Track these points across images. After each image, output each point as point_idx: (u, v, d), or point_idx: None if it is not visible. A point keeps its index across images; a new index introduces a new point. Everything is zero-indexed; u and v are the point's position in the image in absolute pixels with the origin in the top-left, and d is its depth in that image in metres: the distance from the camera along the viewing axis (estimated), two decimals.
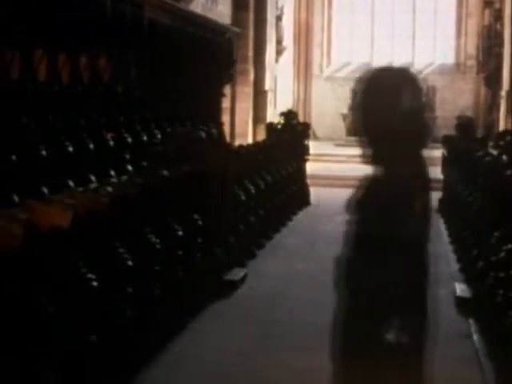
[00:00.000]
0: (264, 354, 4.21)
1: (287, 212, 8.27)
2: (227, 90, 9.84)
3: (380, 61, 17.53)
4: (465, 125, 10.05)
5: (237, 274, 5.54)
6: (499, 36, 13.23)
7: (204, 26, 8.21)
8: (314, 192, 9.78)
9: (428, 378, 3.94)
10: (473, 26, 16.63)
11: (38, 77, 5.20)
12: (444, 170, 9.20)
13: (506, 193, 4.72)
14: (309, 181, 9.87)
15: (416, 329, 2.62)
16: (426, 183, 2.70)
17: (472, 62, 16.75)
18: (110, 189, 3.68)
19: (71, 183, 5.24)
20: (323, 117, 16.51)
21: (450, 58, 17.20)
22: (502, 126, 12.11)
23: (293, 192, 8.62)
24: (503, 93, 12.26)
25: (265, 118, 12.19)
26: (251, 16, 11.65)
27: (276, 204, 7.54)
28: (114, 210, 3.62)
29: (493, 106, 14.16)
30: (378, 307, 2.46)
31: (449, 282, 5.80)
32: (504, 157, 5.90)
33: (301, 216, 8.73)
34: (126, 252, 3.65)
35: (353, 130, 15.89)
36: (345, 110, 16.32)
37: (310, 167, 9.93)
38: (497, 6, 13.74)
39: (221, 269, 5.31)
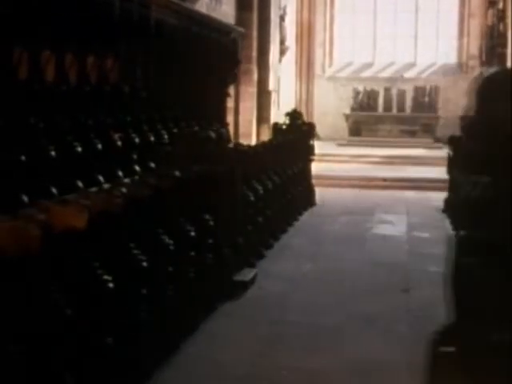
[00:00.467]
0: (277, 355, 4.20)
1: (293, 212, 8.26)
2: (231, 89, 9.82)
3: (382, 61, 17.55)
4: (470, 125, 10.03)
5: (247, 274, 5.52)
6: (502, 36, 13.21)
7: (209, 26, 8.20)
8: (318, 192, 9.77)
9: None
10: (475, 26, 16.62)
11: (45, 77, 5.18)
12: (450, 171, 9.17)
13: None
14: (313, 181, 9.85)
15: None
16: None
17: (474, 62, 16.73)
18: (123, 190, 3.65)
19: (80, 183, 5.23)
20: (325, 117, 16.49)
21: (452, 58, 17.19)
22: None
23: (298, 192, 8.60)
24: None
25: (268, 118, 12.17)
26: (255, 16, 11.63)
27: (282, 204, 7.52)
28: (128, 210, 3.60)
29: None
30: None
31: None
32: None
33: (306, 216, 8.72)
34: (140, 253, 3.63)
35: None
36: (347, 110, 16.34)
37: (313, 167, 9.92)
38: (500, 6, 13.72)
39: (231, 269, 5.29)
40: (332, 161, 13.05)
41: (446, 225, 8.44)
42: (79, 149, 5.27)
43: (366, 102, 16.25)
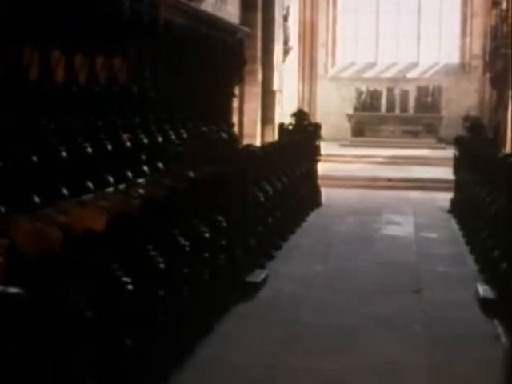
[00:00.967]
0: (293, 357, 4.17)
1: (300, 213, 8.24)
2: (235, 90, 9.80)
3: (384, 61, 17.54)
4: (476, 125, 10.03)
5: (258, 275, 5.50)
6: (506, 37, 13.19)
7: (216, 26, 8.18)
8: (323, 192, 9.75)
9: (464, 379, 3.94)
10: (478, 25, 16.61)
11: (55, 78, 5.17)
12: (456, 171, 9.15)
13: None
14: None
15: None
16: None
17: (477, 62, 16.74)
18: (141, 191, 3.63)
19: (90, 184, 5.22)
20: (328, 117, 16.45)
21: (454, 58, 17.18)
22: (510, 126, 12.09)
23: (305, 193, 8.58)
24: (511, 93, 12.23)
25: (273, 118, 12.14)
26: (259, 16, 11.61)
27: (291, 205, 7.50)
28: (145, 212, 3.57)
29: (499, 107, 14.13)
30: None
31: (470, 283, 5.79)
32: None
33: (313, 217, 8.70)
34: (157, 255, 3.61)
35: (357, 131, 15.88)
36: (350, 111, 16.31)
37: (318, 167, 9.90)
38: (504, 6, 13.70)
39: (243, 270, 5.27)
40: (336, 161, 13.03)
41: (453, 225, 8.43)
42: (89, 149, 5.26)
43: (368, 103, 16.23)
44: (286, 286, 5.57)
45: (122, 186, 3.93)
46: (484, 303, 5.16)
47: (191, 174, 4.39)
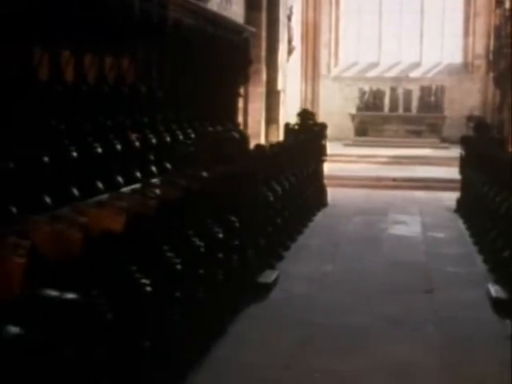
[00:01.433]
0: (308, 358, 4.17)
1: (307, 213, 8.23)
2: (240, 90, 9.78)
3: (387, 61, 17.52)
4: (481, 125, 10.02)
5: (269, 276, 5.49)
6: (510, 36, 13.18)
7: (223, 26, 8.16)
8: (329, 192, 9.73)
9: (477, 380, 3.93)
10: (481, 25, 16.61)
11: (65, 78, 5.15)
12: (462, 171, 9.14)
13: None
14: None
15: None
16: None
17: (480, 62, 16.73)
18: (157, 191, 3.62)
19: (100, 184, 5.20)
20: (331, 117, 16.41)
21: (457, 58, 17.17)
22: None
23: (311, 193, 8.57)
24: None
25: (277, 118, 12.13)
26: (264, 15, 11.60)
27: (298, 205, 7.49)
28: (161, 212, 3.56)
29: (502, 106, 14.12)
30: None
31: (480, 283, 5.78)
32: None
33: (320, 217, 8.69)
34: (174, 256, 3.60)
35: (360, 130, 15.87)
36: (353, 110, 16.29)
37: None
38: (507, 5, 13.69)
39: (254, 271, 5.26)
40: (340, 161, 13.01)
41: (460, 225, 8.42)
42: (99, 150, 5.24)
43: (371, 102, 16.22)
44: (297, 287, 5.56)
45: (137, 187, 3.92)
46: (496, 303, 5.15)
47: (204, 174, 4.37)
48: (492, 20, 16.08)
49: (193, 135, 7.03)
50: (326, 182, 9.88)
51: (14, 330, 1.98)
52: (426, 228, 8.19)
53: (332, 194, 9.84)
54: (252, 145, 6.88)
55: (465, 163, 9.15)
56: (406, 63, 17.42)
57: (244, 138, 5.33)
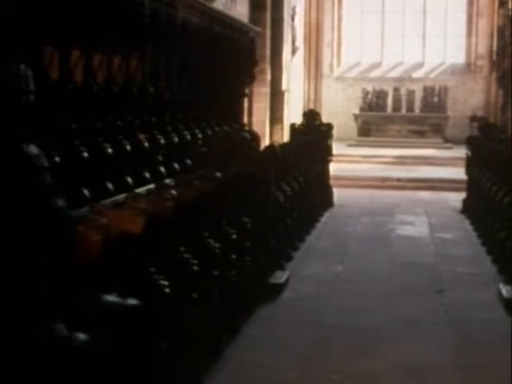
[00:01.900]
0: (324, 359, 4.14)
1: (314, 213, 8.21)
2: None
3: (390, 61, 17.51)
4: (486, 125, 10.00)
5: (280, 277, 5.47)
6: None
7: (230, 26, 8.14)
8: (334, 192, 9.71)
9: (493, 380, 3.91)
10: (483, 25, 16.60)
11: (75, 78, 5.13)
12: (469, 171, 9.12)
13: None
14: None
15: None
16: None
17: (483, 62, 16.72)
18: (173, 192, 3.60)
19: (109, 185, 5.18)
20: (334, 117, 16.37)
21: (460, 58, 17.15)
22: None
23: (318, 193, 8.55)
24: None
25: (282, 118, 12.11)
26: (268, 15, 11.58)
27: (306, 205, 7.47)
28: (178, 213, 3.54)
29: (506, 106, 14.11)
30: None
31: (491, 284, 5.77)
32: None
33: (326, 217, 8.67)
34: (191, 257, 3.58)
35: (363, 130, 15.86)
36: (356, 110, 16.27)
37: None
38: (510, 5, 13.67)
39: (266, 272, 5.24)
40: (344, 161, 12.98)
41: (466, 226, 8.40)
42: (110, 150, 5.22)
43: (374, 102, 16.19)
44: (308, 288, 5.54)
45: (151, 188, 3.90)
46: (508, 304, 5.13)
47: (218, 174, 4.35)
48: (495, 20, 16.06)
49: (200, 135, 7.02)
50: (331, 182, 9.86)
51: (82, 336, 1.97)
52: (434, 229, 8.17)
53: (337, 194, 9.81)
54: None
55: (471, 164, 9.12)
56: (408, 63, 17.41)
57: (255, 139, 5.31)
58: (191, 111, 7.16)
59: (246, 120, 10.88)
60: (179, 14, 6.39)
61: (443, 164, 13.33)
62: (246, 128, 7.55)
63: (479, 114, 16.21)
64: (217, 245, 4.00)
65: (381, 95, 16.22)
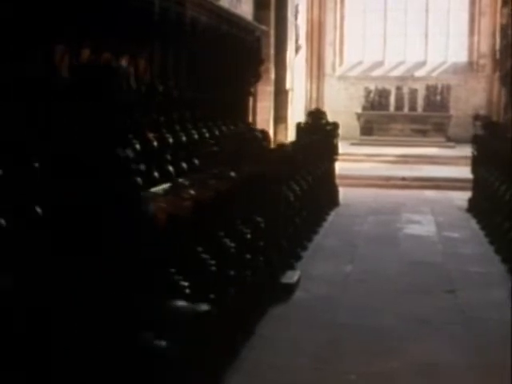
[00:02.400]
0: (339, 359, 4.13)
1: (321, 212, 8.19)
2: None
3: (392, 60, 17.49)
4: (491, 124, 9.99)
5: (291, 276, 5.45)
6: None
7: (237, 25, 8.12)
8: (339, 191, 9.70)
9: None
10: (486, 24, 16.58)
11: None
12: (475, 170, 9.11)
13: None
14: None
15: None
16: None
17: (485, 61, 16.71)
18: (192, 192, 3.57)
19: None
20: (336, 116, 16.32)
21: (462, 57, 17.13)
22: None
23: (324, 192, 8.53)
24: None
25: (286, 117, 12.08)
26: (272, 14, 11.55)
27: (314, 205, 7.45)
28: (196, 213, 3.52)
29: (509, 105, 14.08)
30: None
31: (501, 283, 5.76)
32: None
33: (333, 217, 8.65)
34: (209, 257, 3.56)
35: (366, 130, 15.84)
36: (358, 109, 16.24)
37: None
38: None
39: (278, 272, 5.22)
40: (347, 160, 12.94)
41: (473, 225, 8.39)
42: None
43: (377, 101, 16.17)
44: (319, 288, 5.52)
45: (168, 187, 3.88)
46: None
47: (232, 174, 4.33)
48: (497, 19, 16.05)
49: (207, 135, 7.00)
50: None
51: (161, 343, 1.95)
52: (441, 227, 8.15)
53: (342, 193, 9.79)
54: None
55: (477, 163, 9.11)
56: (411, 62, 17.39)
57: (266, 138, 5.29)
58: (199, 110, 7.14)
59: (250, 119, 10.86)
60: (188, 13, 6.36)
61: (446, 163, 13.32)
62: (257, 127, 7.51)
63: (482, 112, 16.18)
64: (232, 244, 3.98)
65: (383, 94, 16.19)
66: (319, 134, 8.88)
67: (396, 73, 17.23)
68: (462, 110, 16.44)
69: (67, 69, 4.91)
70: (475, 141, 9.38)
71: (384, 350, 4.32)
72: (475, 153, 9.27)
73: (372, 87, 16.30)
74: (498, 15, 15.85)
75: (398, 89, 16.30)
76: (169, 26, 6.05)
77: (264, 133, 5.26)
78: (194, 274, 3.33)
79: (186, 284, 3.19)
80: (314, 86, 16.88)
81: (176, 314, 2.23)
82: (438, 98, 15.99)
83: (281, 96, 11.97)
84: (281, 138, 11.46)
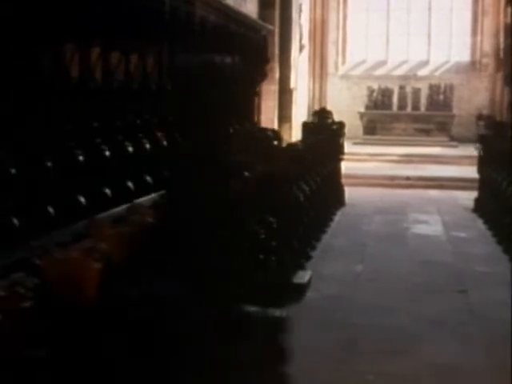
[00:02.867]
0: (355, 359, 4.11)
1: (328, 212, 8.17)
2: None
3: (395, 59, 17.46)
4: (497, 123, 9.98)
5: (302, 277, 5.43)
6: None
7: (244, 24, 8.10)
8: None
9: None
10: (488, 23, 16.55)
11: (95, 76, 5.08)
12: (481, 170, 9.08)
13: None
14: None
15: None
16: None
17: (488, 60, 16.68)
18: None
19: (130, 184, 5.13)
20: (339, 115, 16.29)
21: (465, 56, 17.11)
22: None
23: (331, 192, 8.51)
24: None
25: (290, 116, 12.06)
26: (277, 13, 11.52)
27: (322, 204, 7.43)
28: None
29: None
30: None
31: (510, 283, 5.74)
32: None
33: (339, 216, 8.63)
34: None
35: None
36: (361, 109, 16.21)
37: None
38: None
39: (290, 272, 5.20)
40: (351, 159, 12.90)
41: (479, 225, 8.37)
42: (130, 149, 5.18)
43: (380, 100, 16.14)
44: (330, 288, 5.50)
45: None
46: None
47: (246, 173, 4.31)
48: (500, 18, 16.02)
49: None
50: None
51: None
52: (448, 227, 8.13)
53: (347, 192, 9.76)
54: None
55: (483, 162, 9.08)
56: (413, 61, 17.35)
57: (278, 138, 5.27)
58: (206, 109, 7.11)
59: (255, 118, 10.83)
60: (198, 12, 6.34)
61: (449, 162, 13.30)
62: (263, 126, 7.49)
63: (485, 112, 16.16)
64: (246, 245, 3.96)
65: (386, 93, 16.16)
66: (325, 133, 8.86)
67: (399, 72, 17.20)
68: (464, 109, 16.41)
69: (76, 68, 4.90)
70: (481, 141, 9.36)
71: (401, 350, 4.30)
72: (481, 153, 9.24)
73: (375, 86, 16.27)
74: (501, 14, 15.83)
75: (401, 88, 16.26)
76: (178, 25, 6.02)
77: (275, 132, 5.23)
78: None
79: None
80: (317, 85, 16.85)
81: (246, 318, 2.20)
82: (441, 97, 15.96)
83: (285, 95, 11.95)
84: (285, 138, 11.43)
